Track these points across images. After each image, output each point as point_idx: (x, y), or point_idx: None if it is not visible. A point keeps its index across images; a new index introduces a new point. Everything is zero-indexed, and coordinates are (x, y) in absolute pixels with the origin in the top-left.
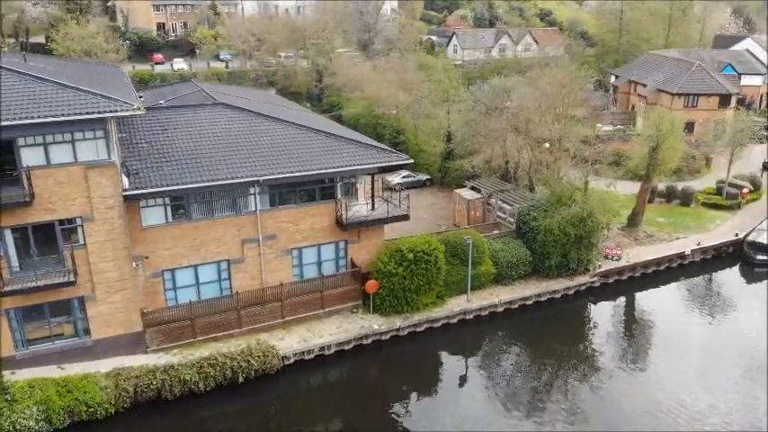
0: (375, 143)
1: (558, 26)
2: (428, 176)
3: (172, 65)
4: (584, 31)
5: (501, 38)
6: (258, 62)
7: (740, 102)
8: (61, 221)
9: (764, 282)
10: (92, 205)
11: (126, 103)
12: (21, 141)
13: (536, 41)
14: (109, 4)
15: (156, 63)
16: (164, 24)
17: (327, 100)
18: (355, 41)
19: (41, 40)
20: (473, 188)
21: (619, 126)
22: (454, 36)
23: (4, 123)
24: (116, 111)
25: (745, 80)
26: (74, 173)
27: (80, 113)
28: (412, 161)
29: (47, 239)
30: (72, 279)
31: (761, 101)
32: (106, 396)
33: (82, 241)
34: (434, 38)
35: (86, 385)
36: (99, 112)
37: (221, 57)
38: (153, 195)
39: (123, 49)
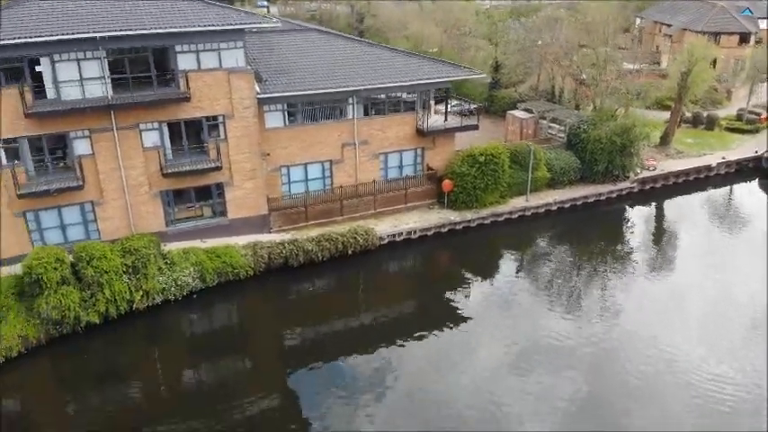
0: (450, 62)
1: None
2: (476, 106)
3: None
4: None
5: None
6: (296, 8)
7: (758, 43)
8: (207, 118)
9: None
10: (232, 105)
11: (265, 17)
12: (177, 48)
13: None
14: None
15: None
16: None
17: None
18: None
19: None
20: (525, 110)
21: (644, 65)
22: None
23: (168, 30)
24: (259, 23)
25: (762, 24)
26: (219, 77)
27: (230, 24)
28: (484, 75)
29: (193, 134)
30: (219, 165)
31: None
32: (246, 261)
33: (222, 136)
34: None
35: (230, 252)
36: (246, 24)
37: (258, 4)
38: (277, 100)
39: None
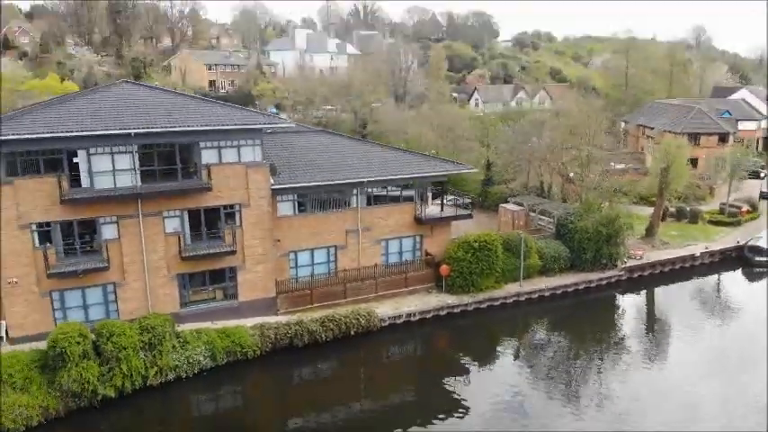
0: (445, 159)
1: (569, 82)
2: (470, 200)
3: None
4: (592, 87)
5: (518, 92)
6: (303, 115)
7: (738, 142)
8: (225, 207)
9: (761, 281)
10: (249, 195)
11: (281, 118)
12: (202, 144)
13: (549, 95)
14: (164, 63)
15: None
16: (214, 82)
17: None
18: (389, 94)
19: None
20: (516, 203)
21: (630, 165)
22: (476, 91)
23: (197, 128)
24: (275, 123)
25: (742, 125)
26: (237, 170)
27: (251, 124)
28: (476, 170)
29: (211, 220)
30: (234, 249)
31: (757, 143)
32: (254, 341)
33: (238, 223)
34: (455, 94)
35: (239, 332)
36: (264, 124)
37: (269, 111)
38: (289, 191)
39: None
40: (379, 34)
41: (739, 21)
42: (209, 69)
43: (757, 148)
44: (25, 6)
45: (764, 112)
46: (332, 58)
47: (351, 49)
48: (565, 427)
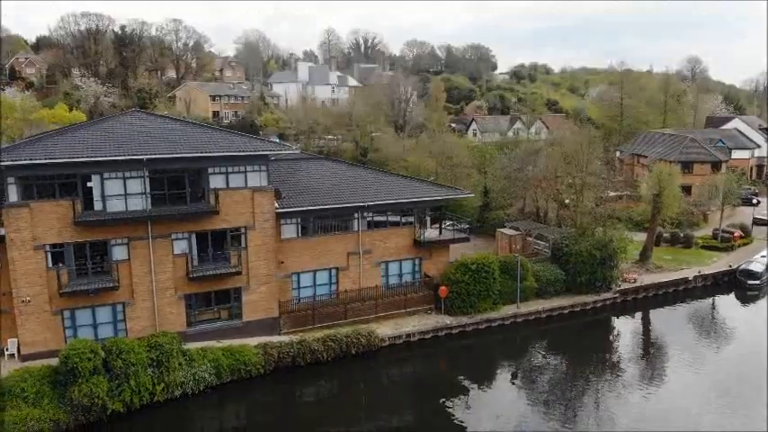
0: (444, 185)
1: (565, 113)
2: (468, 225)
3: None
4: (588, 117)
5: (515, 123)
6: (305, 144)
7: (732, 170)
8: (231, 229)
9: (754, 304)
10: (254, 218)
11: (286, 145)
12: (210, 170)
13: (546, 126)
14: (169, 95)
15: None
16: (218, 112)
17: None
18: (389, 124)
19: None
20: (512, 228)
21: (625, 192)
22: (473, 122)
23: (203, 155)
24: (281, 150)
25: (735, 154)
26: (244, 194)
27: (258, 151)
28: (473, 194)
29: (217, 242)
30: (239, 270)
31: (751, 171)
32: (258, 360)
33: (244, 245)
34: (454, 125)
35: (244, 351)
36: (270, 150)
37: (272, 140)
38: (292, 215)
39: None
40: (380, 67)
41: (736, 57)
42: (213, 100)
43: (750, 177)
44: (32, 38)
45: (757, 142)
46: (333, 90)
47: (352, 81)
48: None
